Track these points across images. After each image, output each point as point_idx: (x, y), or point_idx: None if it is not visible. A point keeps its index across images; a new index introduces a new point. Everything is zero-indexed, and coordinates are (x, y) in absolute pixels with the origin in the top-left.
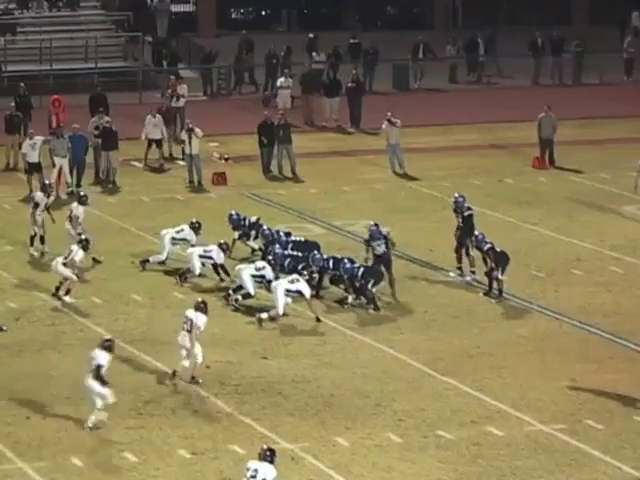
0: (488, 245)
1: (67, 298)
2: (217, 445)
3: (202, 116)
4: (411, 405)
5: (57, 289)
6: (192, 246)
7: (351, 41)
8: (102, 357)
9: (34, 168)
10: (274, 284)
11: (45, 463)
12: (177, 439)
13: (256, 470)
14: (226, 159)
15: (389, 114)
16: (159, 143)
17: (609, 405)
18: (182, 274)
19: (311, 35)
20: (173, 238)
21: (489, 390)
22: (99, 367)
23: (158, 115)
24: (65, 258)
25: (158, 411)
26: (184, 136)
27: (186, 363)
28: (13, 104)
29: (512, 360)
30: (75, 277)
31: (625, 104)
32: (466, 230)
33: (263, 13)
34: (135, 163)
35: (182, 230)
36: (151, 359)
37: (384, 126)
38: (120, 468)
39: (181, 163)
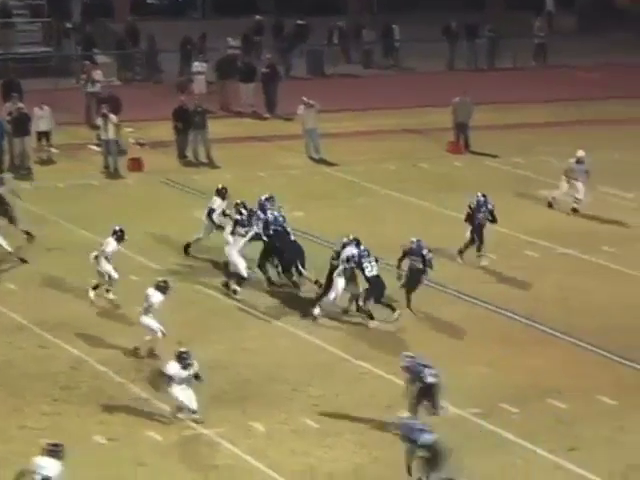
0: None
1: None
2: (133, 431)
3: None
4: (327, 390)
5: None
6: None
7: (298, 22)
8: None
9: None
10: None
11: None
12: (93, 425)
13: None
14: (142, 144)
15: (304, 98)
16: (47, 135)
17: (524, 389)
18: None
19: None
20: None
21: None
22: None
23: (45, 107)
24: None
25: (73, 397)
26: (99, 122)
27: (147, 337)
28: None
29: (428, 344)
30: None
31: (539, 89)
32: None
33: None
34: (51, 149)
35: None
36: (67, 345)
37: (300, 110)
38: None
39: (96, 149)
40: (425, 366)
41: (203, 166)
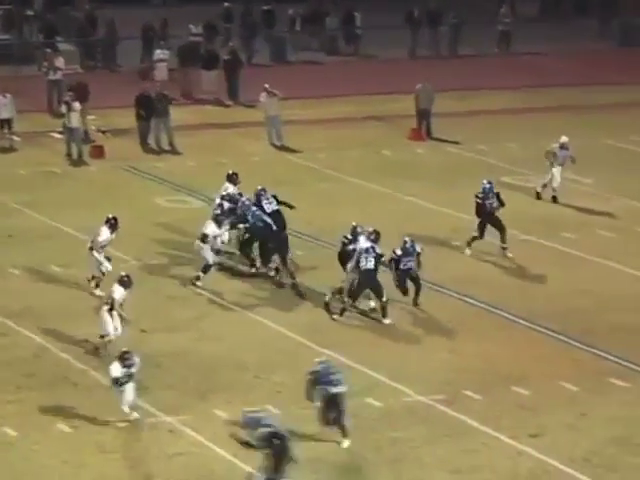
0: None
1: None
2: (96, 418)
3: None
4: (290, 377)
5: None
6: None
7: (264, 8)
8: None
9: None
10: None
11: None
12: (56, 413)
13: None
14: (104, 132)
15: (266, 85)
16: (9, 122)
17: (487, 376)
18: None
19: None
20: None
21: (367, 361)
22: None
23: (8, 95)
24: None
25: (37, 385)
26: (63, 109)
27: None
28: None
29: (391, 331)
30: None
31: (501, 76)
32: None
33: None
34: (13, 137)
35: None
36: (30, 333)
37: (262, 98)
38: None
39: (58, 136)
40: (333, 374)
41: (165, 153)
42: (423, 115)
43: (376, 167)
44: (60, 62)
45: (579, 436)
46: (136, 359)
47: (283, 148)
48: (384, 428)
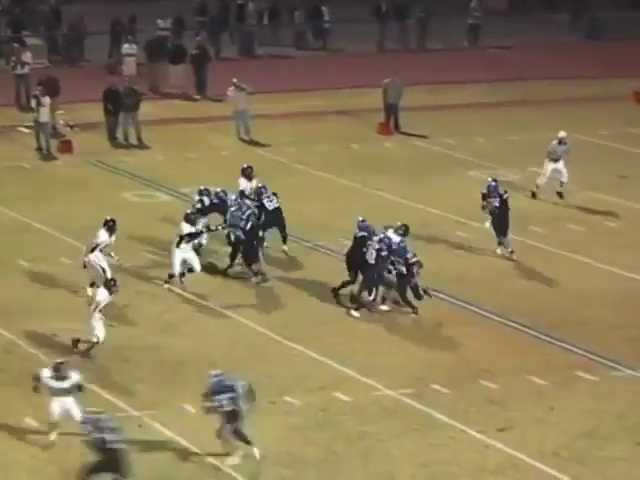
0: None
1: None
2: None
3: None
4: (259, 371)
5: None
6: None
7: (239, 2)
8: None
9: None
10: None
11: None
12: (24, 407)
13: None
14: (72, 126)
15: (235, 80)
16: None
17: (456, 370)
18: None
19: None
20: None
21: (336, 356)
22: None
23: None
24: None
25: (6, 379)
26: (33, 104)
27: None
28: None
29: (359, 326)
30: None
31: (469, 69)
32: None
33: None
34: None
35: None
36: None
37: (230, 92)
38: None
39: (26, 131)
40: (228, 387)
41: (133, 148)
42: (391, 109)
43: (344, 161)
44: (27, 57)
45: (548, 430)
46: (73, 375)
47: (252, 142)
48: (353, 422)
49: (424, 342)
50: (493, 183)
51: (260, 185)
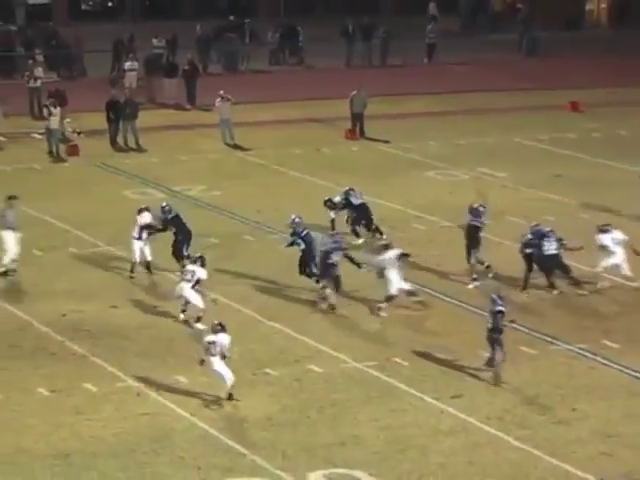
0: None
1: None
2: (72, 383)
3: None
4: (242, 347)
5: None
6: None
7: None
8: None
9: None
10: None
11: None
12: (37, 378)
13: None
14: (78, 133)
15: (221, 92)
16: None
17: (414, 344)
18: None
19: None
20: None
21: (311, 333)
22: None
23: None
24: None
25: (19, 354)
26: (45, 112)
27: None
28: None
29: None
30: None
31: (424, 83)
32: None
33: (109, 4)
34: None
35: None
36: (13, 309)
37: (217, 102)
38: None
39: (38, 137)
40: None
41: (132, 151)
42: (357, 118)
43: (316, 163)
44: (39, 72)
45: (494, 397)
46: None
47: (236, 146)
48: (325, 391)
49: (384, 321)
50: (482, 209)
51: (348, 187)
